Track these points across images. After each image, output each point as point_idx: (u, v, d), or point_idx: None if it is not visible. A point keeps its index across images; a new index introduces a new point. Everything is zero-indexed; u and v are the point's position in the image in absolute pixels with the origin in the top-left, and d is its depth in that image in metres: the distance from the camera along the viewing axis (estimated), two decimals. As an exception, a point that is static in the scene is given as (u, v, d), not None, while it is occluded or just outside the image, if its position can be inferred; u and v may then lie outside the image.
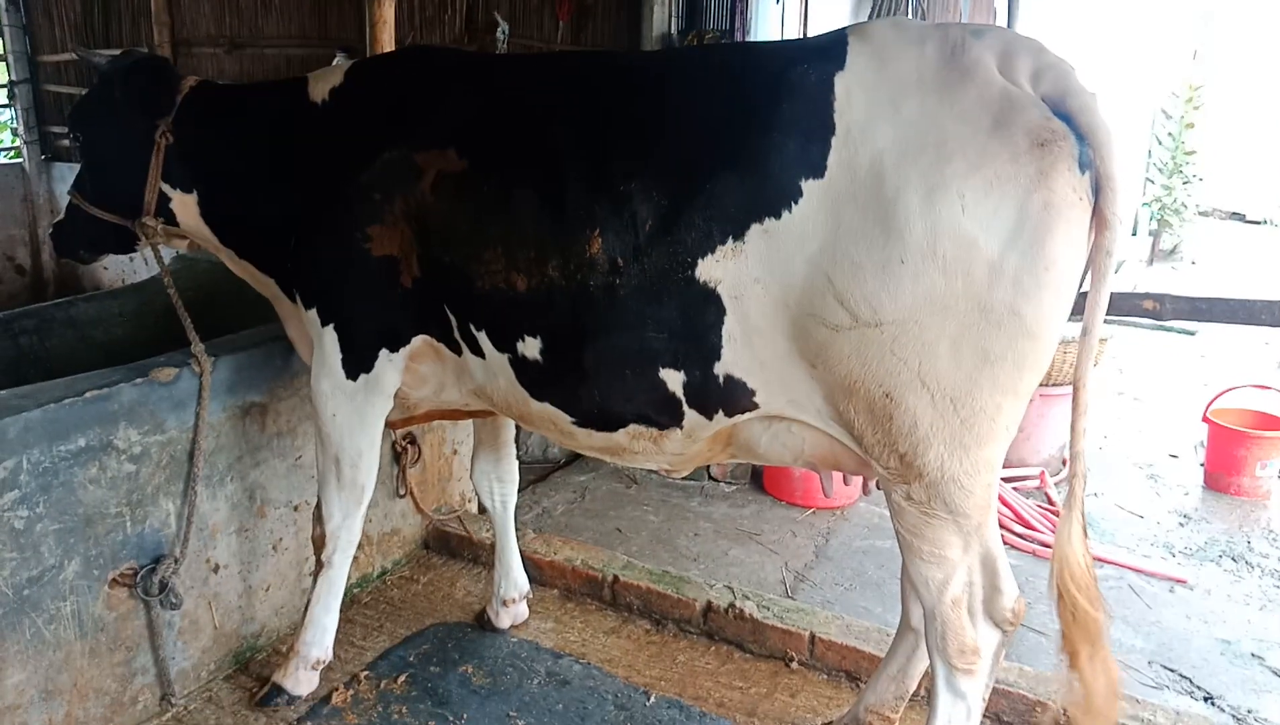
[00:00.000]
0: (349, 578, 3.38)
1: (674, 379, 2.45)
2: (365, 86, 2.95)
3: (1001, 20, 6.77)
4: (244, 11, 7.84)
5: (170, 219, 3.16)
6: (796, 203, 2.20)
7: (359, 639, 3.70)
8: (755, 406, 2.43)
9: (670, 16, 6.16)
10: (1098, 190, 2.09)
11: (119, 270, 8.64)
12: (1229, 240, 14.25)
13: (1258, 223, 15.33)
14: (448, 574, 4.23)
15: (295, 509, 3.66)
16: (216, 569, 3.38)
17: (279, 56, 7.71)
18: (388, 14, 4.21)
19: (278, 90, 3.18)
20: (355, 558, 3.31)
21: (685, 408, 2.50)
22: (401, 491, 4.10)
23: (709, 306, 2.32)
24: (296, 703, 3.28)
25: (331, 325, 2.93)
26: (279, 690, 3.27)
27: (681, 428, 2.55)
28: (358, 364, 2.93)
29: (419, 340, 2.89)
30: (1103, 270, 2.15)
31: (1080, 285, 2.22)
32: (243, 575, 3.49)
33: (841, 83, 2.20)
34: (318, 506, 3.20)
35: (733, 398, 2.43)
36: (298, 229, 2.92)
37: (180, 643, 3.28)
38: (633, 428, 2.62)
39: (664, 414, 2.54)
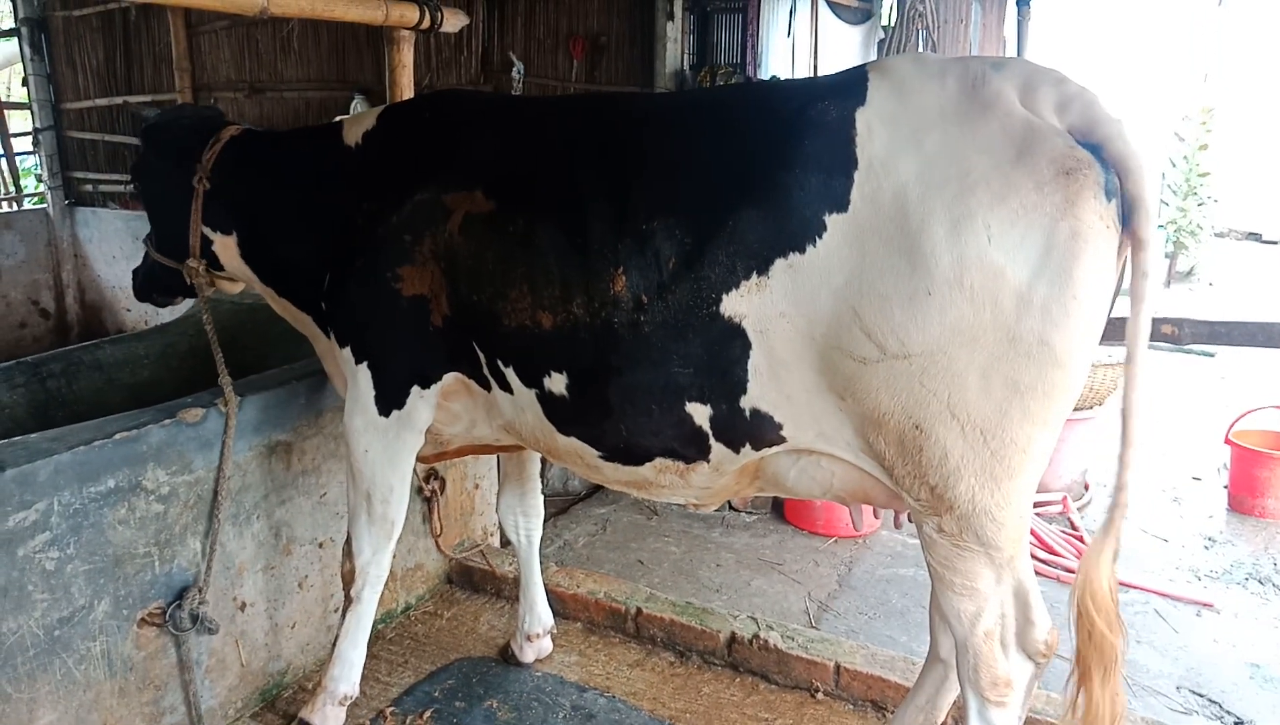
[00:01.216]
0: (373, 613, 3.38)
1: (700, 413, 2.45)
2: (396, 130, 3.01)
3: (1011, 49, 6.81)
4: (263, 56, 7.96)
5: (214, 261, 3.30)
6: (821, 237, 2.21)
7: (384, 675, 3.69)
8: (783, 440, 2.43)
9: (682, 53, 6.23)
10: (1132, 213, 2.09)
11: (142, 313, 8.72)
12: (1246, 260, 14.19)
13: (1274, 242, 15.27)
14: (471, 608, 4.22)
15: (321, 546, 3.67)
16: (243, 607, 3.39)
17: (298, 100, 7.83)
18: (406, 57, 4.29)
19: (315, 135, 3.35)
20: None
21: (712, 442, 2.50)
22: (439, 530, 4.15)
23: (734, 341, 2.33)
24: (324, 740, 3.27)
25: (365, 363, 2.97)
26: (306, 727, 3.26)
27: (708, 462, 2.55)
28: (390, 401, 2.96)
29: (450, 377, 2.91)
30: (1141, 293, 2.13)
31: (1109, 312, 2.22)
32: (269, 613, 3.50)
33: (863, 117, 2.21)
34: (347, 542, 3.21)
35: (759, 431, 2.43)
36: (332, 269, 2.97)
37: (208, 681, 3.29)
38: (659, 462, 2.62)
39: (690, 448, 2.54)
